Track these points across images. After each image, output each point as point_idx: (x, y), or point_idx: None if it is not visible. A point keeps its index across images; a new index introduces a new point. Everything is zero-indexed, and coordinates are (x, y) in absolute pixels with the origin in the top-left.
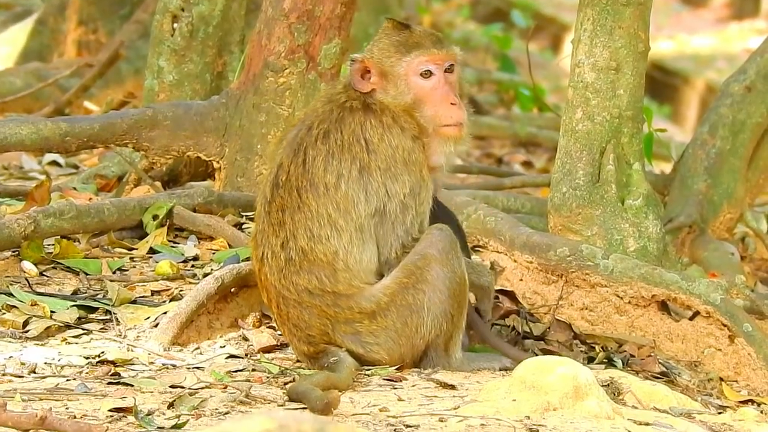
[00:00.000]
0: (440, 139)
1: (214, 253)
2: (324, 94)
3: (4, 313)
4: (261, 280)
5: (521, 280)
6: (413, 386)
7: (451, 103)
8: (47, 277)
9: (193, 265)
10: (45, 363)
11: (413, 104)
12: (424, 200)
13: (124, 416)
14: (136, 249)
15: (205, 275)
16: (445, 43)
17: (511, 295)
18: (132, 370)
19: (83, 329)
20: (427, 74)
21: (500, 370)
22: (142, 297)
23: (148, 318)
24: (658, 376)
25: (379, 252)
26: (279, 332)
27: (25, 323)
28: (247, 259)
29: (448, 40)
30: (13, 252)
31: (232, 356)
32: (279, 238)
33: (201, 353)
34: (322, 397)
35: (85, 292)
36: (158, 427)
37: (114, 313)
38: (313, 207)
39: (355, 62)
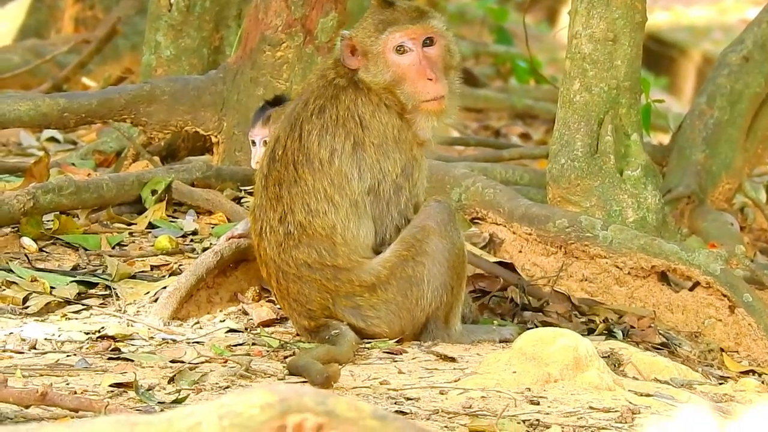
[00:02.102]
0: (423, 115)
1: (213, 228)
2: (318, 68)
3: (4, 290)
4: (260, 254)
5: (520, 251)
6: (413, 359)
7: (428, 78)
8: (47, 253)
9: (192, 240)
10: (45, 339)
11: (393, 82)
12: (417, 181)
13: (124, 391)
14: (135, 224)
15: (204, 249)
16: (425, 17)
17: (510, 266)
18: (132, 345)
19: (83, 305)
20: (403, 50)
21: (500, 342)
22: (142, 272)
23: (148, 293)
24: (659, 347)
25: (376, 231)
26: (278, 306)
27: (25, 299)
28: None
29: (432, 13)
30: (13, 228)
31: (231, 330)
32: (277, 213)
33: (201, 328)
34: (322, 370)
35: (85, 268)
36: (159, 402)
37: (114, 289)
38: (309, 181)
39: (344, 39)
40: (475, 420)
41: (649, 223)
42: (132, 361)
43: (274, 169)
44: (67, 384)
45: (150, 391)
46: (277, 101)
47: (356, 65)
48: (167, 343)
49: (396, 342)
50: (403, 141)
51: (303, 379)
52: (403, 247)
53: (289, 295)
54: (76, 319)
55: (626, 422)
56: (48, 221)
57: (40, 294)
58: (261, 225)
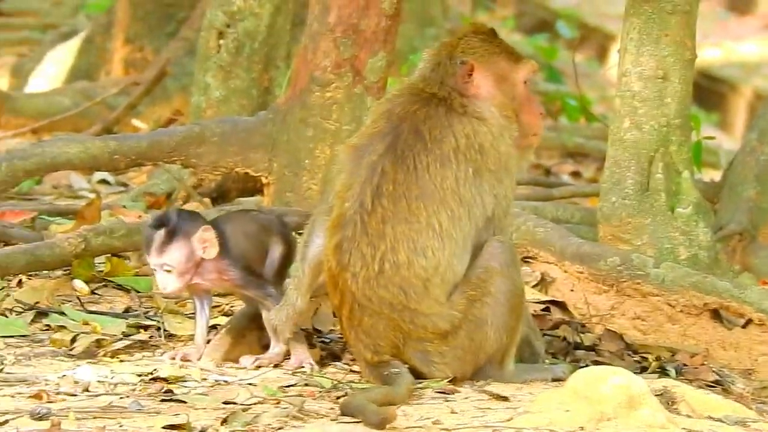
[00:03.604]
0: (525, 147)
1: None
2: (406, 92)
3: (56, 332)
4: (338, 283)
5: (572, 290)
6: (466, 398)
7: (541, 113)
8: (98, 295)
9: None
10: (98, 381)
11: (517, 112)
12: (513, 208)
13: None
14: None
15: None
16: None
17: (562, 305)
18: (185, 386)
19: (135, 347)
20: (528, 82)
21: (553, 380)
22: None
23: None
24: (712, 384)
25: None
26: (338, 336)
27: (76, 340)
28: None
29: None
30: (65, 271)
31: (283, 371)
32: (378, 251)
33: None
34: (378, 411)
35: (137, 310)
36: None
37: (165, 330)
38: (423, 216)
39: (465, 64)
40: None
41: (701, 261)
42: (185, 402)
43: (379, 205)
44: (121, 426)
45: None
46: (161, 224)
47: (473, 92)
48: (220, 384)
49: (449, 381)
50: (510, 170)
51: (356, 420)
52: (469, 288)
53: (360, 326)
54: (129, 361)
55: None
56: (100, 263)
57: (92, 336)
58: (349, 258)
